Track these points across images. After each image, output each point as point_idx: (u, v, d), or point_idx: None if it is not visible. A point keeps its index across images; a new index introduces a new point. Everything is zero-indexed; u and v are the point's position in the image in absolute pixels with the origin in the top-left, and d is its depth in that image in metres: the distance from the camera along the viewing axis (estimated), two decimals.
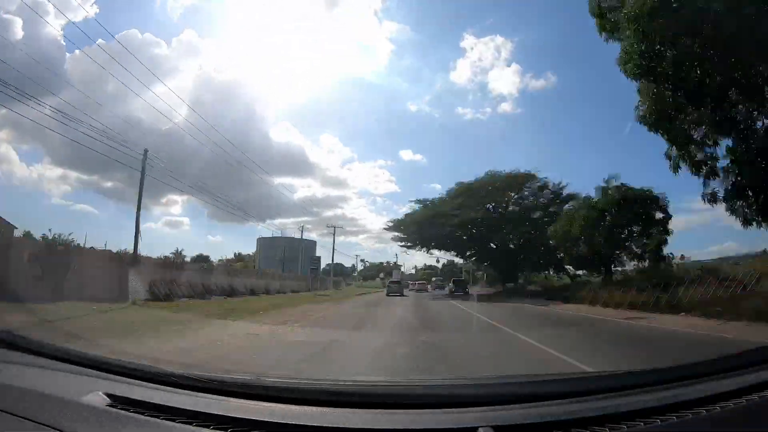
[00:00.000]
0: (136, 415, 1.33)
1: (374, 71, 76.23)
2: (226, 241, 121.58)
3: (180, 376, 1.62)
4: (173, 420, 1.31)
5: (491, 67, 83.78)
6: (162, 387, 1.54)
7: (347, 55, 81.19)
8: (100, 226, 62.79)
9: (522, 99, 77.18)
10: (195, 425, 1.29)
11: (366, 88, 78.05)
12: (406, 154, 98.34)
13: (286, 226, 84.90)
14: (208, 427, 1.28)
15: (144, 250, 22.27)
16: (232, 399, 1.46)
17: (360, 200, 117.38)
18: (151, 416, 1.33)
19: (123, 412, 1.35)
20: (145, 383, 1.57)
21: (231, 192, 58.52)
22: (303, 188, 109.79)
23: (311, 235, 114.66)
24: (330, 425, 1.29)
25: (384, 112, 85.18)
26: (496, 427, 1.23)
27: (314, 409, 1.39)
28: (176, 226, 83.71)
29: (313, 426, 1.28)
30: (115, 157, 21.20)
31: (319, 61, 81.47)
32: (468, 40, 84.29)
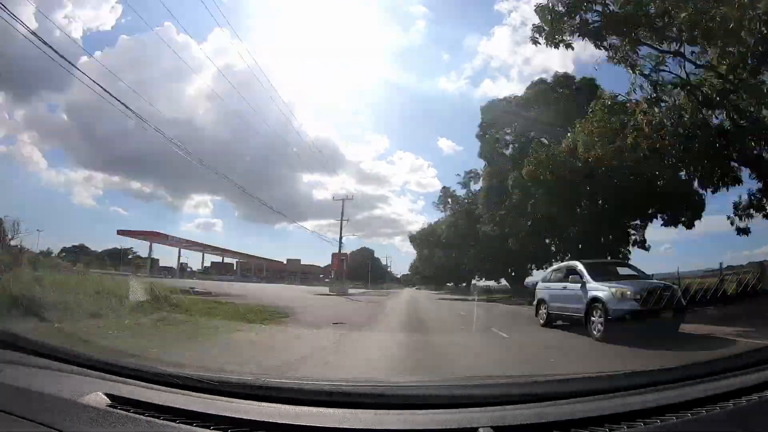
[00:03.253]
0: (136, 416, 1.33)
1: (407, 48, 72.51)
2: (258, 243, 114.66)
3: (180, 376, 1.62)
4: (173, 420, 1.31)
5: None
6: (162, 387, 1.54)
7: (383, 37, 76.80)
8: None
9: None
10: (195, 426, 1.29)
11: (400, 70, 74.65)
12: (445, 144, 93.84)
13: (321, 228, 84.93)
14: (208, 427, 1.28)
15: None
16: (232, 399, 1.46)
17: (399, 199, 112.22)
18: (152, 417, 1.33)
19: (123, 412, 1.34)
20: (145, 384, 1.57)
21: (263, 192, 57.58)
22: (336, 187, 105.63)
23: (350, 237, 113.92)
24: (330, 425, 1.29)
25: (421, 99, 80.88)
26: (496, 428, 1.23)
27: (314, 409, 1.39)
28: (207, 228, 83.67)
29: (313, 426, 1.28)
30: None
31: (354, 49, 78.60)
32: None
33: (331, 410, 1.38)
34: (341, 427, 1.29)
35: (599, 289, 8.59)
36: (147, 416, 1.33)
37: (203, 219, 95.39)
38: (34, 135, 53.39)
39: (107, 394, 1.43)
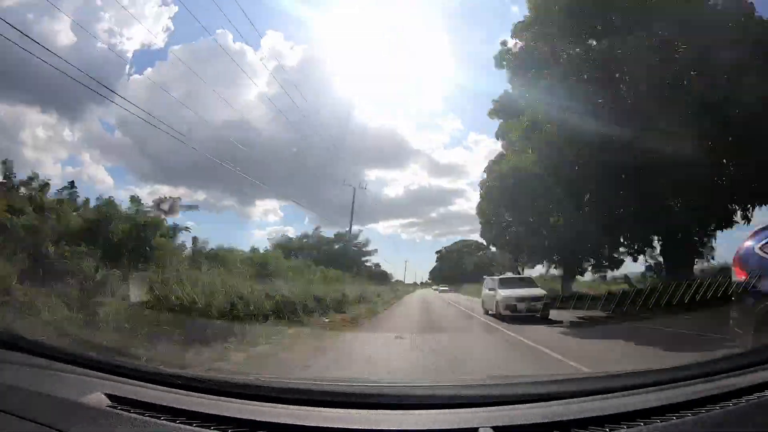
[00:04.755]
0: (136, 416, 1.33)
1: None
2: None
3: (180, 376, 1.62)
4: (174, 420, 1.31)
5: None
6: (163, 388, 1.54)
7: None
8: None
9: None
10: (195, 426, 1.29)
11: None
12: None
13: (394, 228, 76.76)
14: (208, 427, 1.28)
15: None
16: (232, 399, 1.46)
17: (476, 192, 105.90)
18: (152, 417, 1.33)
19: (123, 412, 1.34)
20: (145, 384, 1.57)
21: (327, 194, 52.05)
22: (407, 181, 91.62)
23: (426, 237, 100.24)
24: (330, 425, 1.29)
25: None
26: (496, 428, 1.23)
27: (314, 409, 1.39)
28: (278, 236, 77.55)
29: (313, 426, 1.28)
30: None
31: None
32: None
33: (331, 410, 1.39)
34: (341, 427, 1.29)
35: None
36: (147, 416, 1.33)
37: (273, 227, 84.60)
38: (96, 154, 52.24)
39: (107, 394, 1.43)
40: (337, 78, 71.02)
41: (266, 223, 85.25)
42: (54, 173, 47.93)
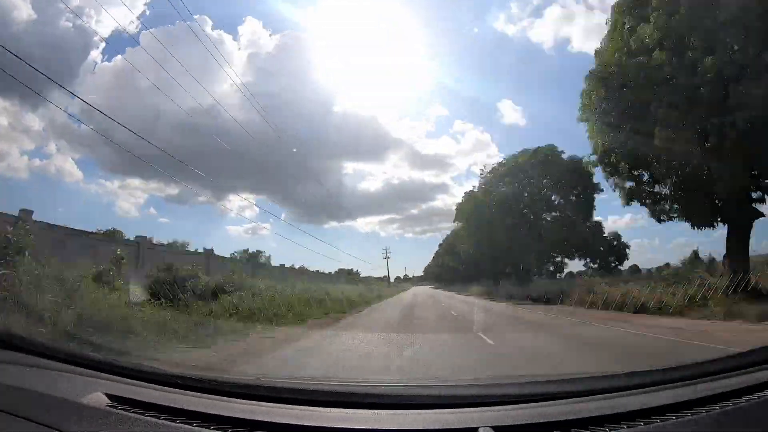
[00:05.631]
0: (136, 416, 1.33)
1: None
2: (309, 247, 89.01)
3: (180, 376, 1.62)
4: (173, 420, 1.31)
5: None
6: (162, 387, 1.54)
7: None
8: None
9: None
10: (195, 426, 1.29)
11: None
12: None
13: (373, 225, 73.86)
14: (208, 427, 1.28)
15: None
16: (232, 399, 1.46)
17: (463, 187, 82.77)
18: (152, 416, 1.33)
19: (123, 412, 1.35)
20: (145, 383, 1.57)
21: (302, 189, 50.08)
22: (387, 174, 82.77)
23: (407, 235, 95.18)
24: (330, 425, 1.29)
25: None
26: (496, 428, 1.23)
27: (314, 409, 1.39)
28: (254, 232, 72.85)
29: (313, 426, 1.28)
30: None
31: None
32: None
33: (330, 410, 1.39)
34: (341, 427, 1.29)
35: None
36: (147, 416, 1.33)
37: (250, 224, 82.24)
38: (63, 144, 49.20)
39: (107, 394, 1.43)
40: (314, 66, 68.21)
41: (243, 219, 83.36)
42: (20, 165, 44.01)
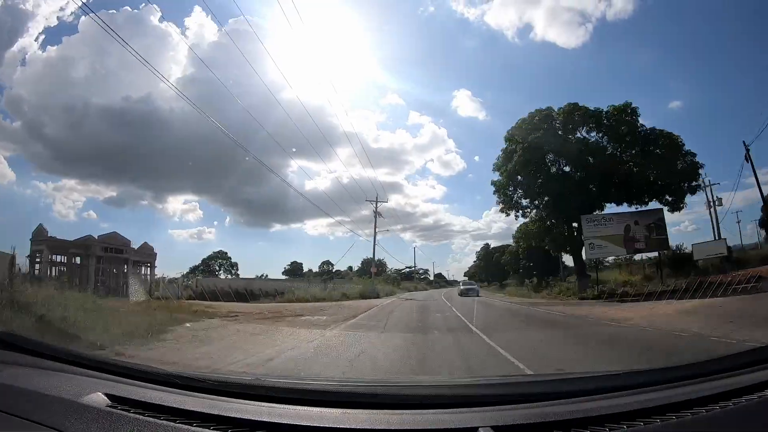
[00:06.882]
0: (136, 416, 1.33)
1: None
2: (257, 251, 79.74)
3: (180, 376, 1.62)
4: (173, 420, 1.31)
5: None
6: (162, 388, 1.54)
7: None
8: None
9: None
10: (195, 426, 1.29)
11: None
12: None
13: (320, 229, 68.97)
14: (208, 427, 1.28)
15: None
16: (232, 399, 1.47)
17: (417, 187, 78.65)
18: (151, 417, 1.33)
19: (123, 412, 1.35)
20: (145, 384, 1.57)
21: (244, 190, 48.56)
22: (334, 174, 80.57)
23: (359, 239, 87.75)
24: (330, 425, 1.29)
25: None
26: (496, 427, 1.23)
27: (314, 409, 1.39)
28: (200, 236, 67.07)
29: (313, 426, 1.28)
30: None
31: None
32: None
33: (330, 410, 1.39)
34: (341, 426, 1.29)
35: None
36: (147, 416, 1.33)
37: (195, 229, 74.01)
38: None
39: (107, 394, 1.43)
40: (257, 55, 63.21)
41: (187, 223, 76.41)
42: None
